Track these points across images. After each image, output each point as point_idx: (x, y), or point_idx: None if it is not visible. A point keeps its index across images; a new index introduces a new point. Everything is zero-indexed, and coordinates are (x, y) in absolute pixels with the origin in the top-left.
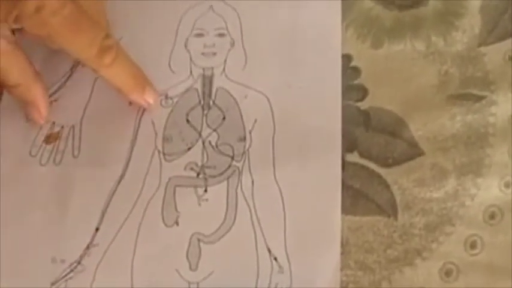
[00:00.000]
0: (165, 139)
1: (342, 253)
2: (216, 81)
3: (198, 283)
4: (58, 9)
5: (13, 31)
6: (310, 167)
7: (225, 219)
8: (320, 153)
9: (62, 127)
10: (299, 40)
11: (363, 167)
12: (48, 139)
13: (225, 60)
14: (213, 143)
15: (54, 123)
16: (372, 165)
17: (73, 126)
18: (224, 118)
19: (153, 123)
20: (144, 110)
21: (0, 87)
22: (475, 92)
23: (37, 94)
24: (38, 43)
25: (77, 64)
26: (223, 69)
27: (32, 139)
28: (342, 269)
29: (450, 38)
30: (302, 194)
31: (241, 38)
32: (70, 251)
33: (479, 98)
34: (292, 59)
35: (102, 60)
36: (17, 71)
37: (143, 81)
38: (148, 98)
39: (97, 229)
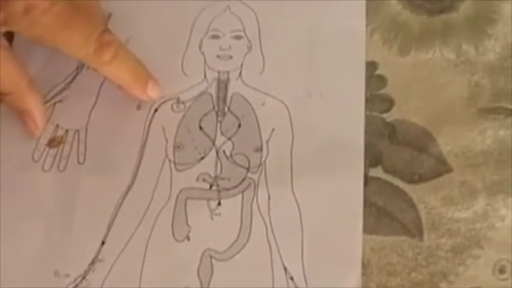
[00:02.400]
0: (176, 147)
1: (363, 275)
2: (232, 86)
3: None
4: (48, 7)
5: (7, 34)
6: (331, 182)
7: (239, 235)
8: (341, 167)
9: (67, 131)
10: (320, 45)
11: (387, 183)
12: (52, 143)
13: (242, 64)
14: (228, 153)
15: (57, 125)
16: (397, 182)
17: (78, 131)
18: (240, 126)
19: (163, 129)
20: (154, 115)
21: None
22: (507, 105)
23: (31, 103)
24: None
25: (82, 64)
26: (240, 74)
27: (35, 142)
28: None
29: (482, 47)
30: (321, 211)
31: (259, 41)
32: (74, 264)
33: None
34: (313, 65)
35: (101, 58)
36: (9, 79)
37: (146, 76)
38: (151, 93)
39: (103, 243)
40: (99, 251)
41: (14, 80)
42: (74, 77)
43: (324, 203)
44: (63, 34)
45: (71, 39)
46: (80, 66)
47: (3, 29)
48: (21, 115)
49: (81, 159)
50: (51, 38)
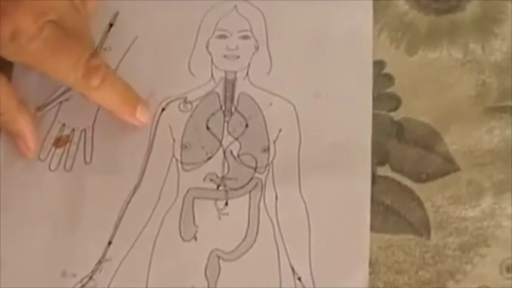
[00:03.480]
0: (184, 147)
1: (371, 273)
2: (239, 86)
3: None
4: (36, 33)
5: None
6: (338, 182)
7: (246, 235)
8: (348, 166)
9: (73, 130)
10: (327, 45)
11: (394, 181)
12: (58, 142)
13: (249, 64)
14: (235, 153)
15: (64, 124)
16: (405, 180)
17: (84, 130)
18: (247, 126)
19: (170, 129)
20: (161, 114)
21: None
22: None
23: (22, 124)
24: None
25: None
26: (247, 74)
27: (41, 141)
28: None
29: (488, 46)
30: (329, 210)
31: (267, 41)
32: (81, 265)
33: None
34: (320, 64)
35: (90, 83)
36: None
37: (134, 100)
38: (141, 118)
39: (109, 243)
40: (106, 251)
41: (6, 102)
42: None
43: (332, 203)
44: (51, 60)
45: (59, 64)
46: None
47: None
48: (13, 137)
49: (87, 159)
50: (38, 65)
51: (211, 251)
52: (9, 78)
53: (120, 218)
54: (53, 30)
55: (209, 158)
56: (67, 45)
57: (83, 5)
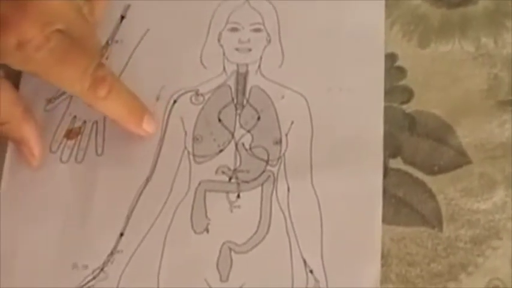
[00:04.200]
0: (195, 139)
1: (383, 265)
2: (251, 79)
3: None
4: (42, 43)
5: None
6: (350, 174)
7: (258, 227)
8: (360, 159)
9: (84, 122)
10: (339, 38)
11: (406, 174)
12: (69, 134)
13: (261, 57)
14: (247, 145)
15: (75, 117)
16: (417, 173)
17: (96, 122)
18: (259, 119)
19: (182, 121)
20: (173, 107)
21: None
22: None
23: (26, 131)
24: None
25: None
26: (259, 67)
27: (52, 133)
28: (382, 283)
29: (501, 40)
30: (340, 203)
31: (279, 34)
32: (92, 256)
33: None
34: (331, 57)
35: (96, 93)
36: (3, 108)
37: (141, 111)
38: (147, 128)
39: (121, 234)
40: (117, 242)
41: (10, 110)
42: None
43: (343, 195)
44: (57, 70)
45: (65, 74)
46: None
47: None
48: (17, 144)
49: (99, 151)
50: (44, 74)
51: (223, 243)
52: (20, 72)
53: (132, 210)
54: (59, 40)
55: (221, 151)
56: (74, 56)
57: (91, 13)
